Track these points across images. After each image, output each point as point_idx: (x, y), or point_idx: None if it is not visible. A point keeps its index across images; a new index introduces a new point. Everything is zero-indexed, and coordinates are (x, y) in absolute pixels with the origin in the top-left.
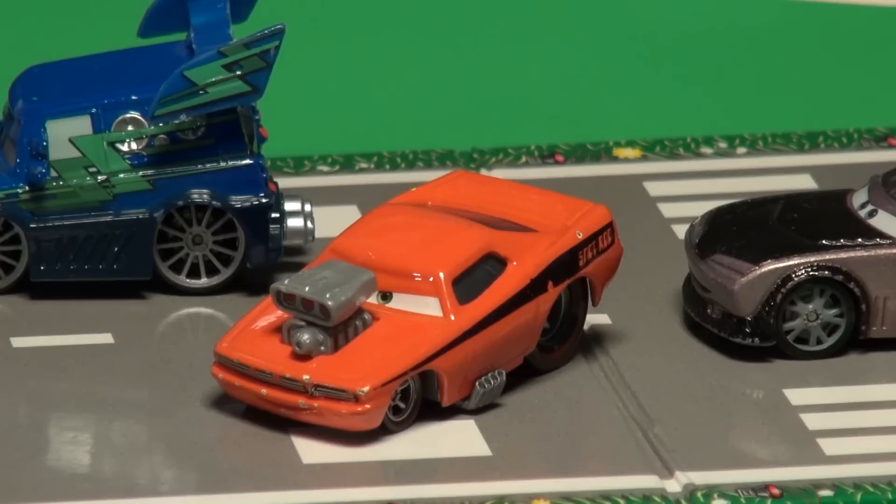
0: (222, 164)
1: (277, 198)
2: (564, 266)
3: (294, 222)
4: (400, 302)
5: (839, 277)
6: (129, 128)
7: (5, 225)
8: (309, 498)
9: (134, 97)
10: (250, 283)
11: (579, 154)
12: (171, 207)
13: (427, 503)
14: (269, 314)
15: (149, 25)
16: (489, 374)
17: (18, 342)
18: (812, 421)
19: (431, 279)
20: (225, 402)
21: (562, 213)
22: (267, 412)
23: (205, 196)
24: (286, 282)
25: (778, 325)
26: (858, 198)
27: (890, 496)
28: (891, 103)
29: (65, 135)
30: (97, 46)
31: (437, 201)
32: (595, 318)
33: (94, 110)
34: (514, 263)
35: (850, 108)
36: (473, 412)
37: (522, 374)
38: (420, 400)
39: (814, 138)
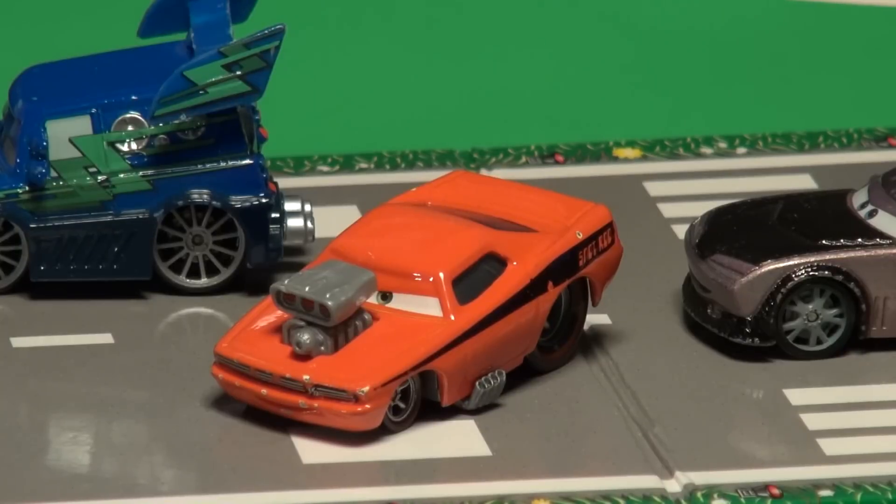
0: (222, 164)
1: (277, 198)
2: (564, 266)
3: (294, 222)
4: (400, 302)
5: (839, 277)
6: (129, 128)
7: (5, 225)
8: (309, 498)
9: (134, 97)
10: (250, 283)
11: (579, 154)
12: (171, 207)
13: (427, 503)
14: (269, 314)
15: (149, 25)
16: (489, 374)
17: (18, 342)
18: (812, 421)
19: (431, 279)
20: (225, 402)
21: (562, 213)
22: (267, 412)
23: (205, 196)
24: (286, 282)
25: (778, 325)
26: (858, 198)
27: (890, 496)
28: (891, 103)
29: (65, 135)
30: (97, 46)
31: (437, 201)
32: (595, 318)
33: (94, 110)
34: (514, 263)
35: (850, 108)
36: (473, 412)
37: (522, 374)
38: (420, 400)
39: (814, 138)
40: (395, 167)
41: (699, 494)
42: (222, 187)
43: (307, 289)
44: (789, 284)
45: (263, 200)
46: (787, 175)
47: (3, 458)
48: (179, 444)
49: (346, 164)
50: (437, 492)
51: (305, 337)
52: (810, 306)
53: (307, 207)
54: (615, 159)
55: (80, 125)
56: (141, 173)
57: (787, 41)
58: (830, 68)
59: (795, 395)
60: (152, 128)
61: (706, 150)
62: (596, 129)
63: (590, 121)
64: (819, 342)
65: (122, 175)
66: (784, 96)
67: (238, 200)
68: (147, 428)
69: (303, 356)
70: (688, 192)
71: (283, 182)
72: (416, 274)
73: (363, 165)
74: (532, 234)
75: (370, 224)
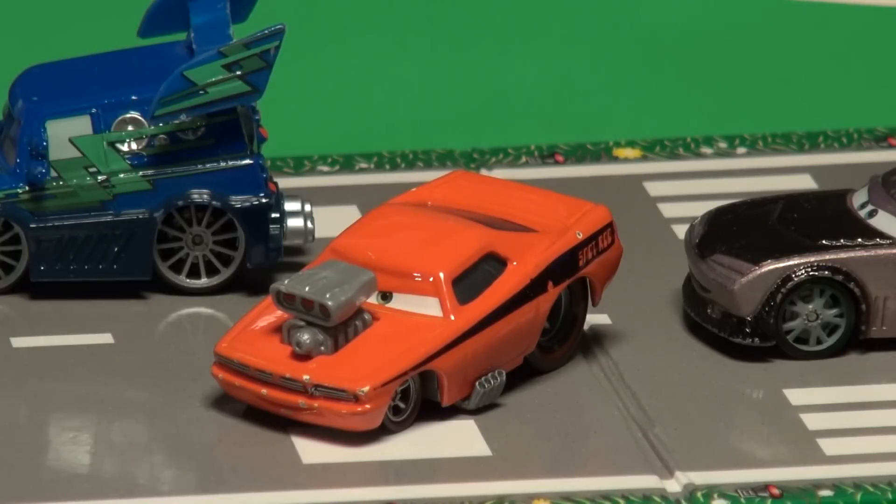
0: (222, 164)
1: (277, 198)
2: (564, 266)
3: (294, 222)
4: (400, 302)
5: (839, 277)
6: (129, 128)
7: (5, 225)
8: (309, 498)
9: (134, 97)
10: (250, 283)
11: (579, 154)
12: (171, 207)
13: (427, 503)
14: (269, 314)
15: (149, 25)
16: (489, 374)
17: (18, 342)
18: (812, 421)
19: (431, 279)
20: (225, 402)
21: (562, 214)
22: (267, 412)
23: (205, 196)
24: (286, 282)
25: (778, 325)
26: (858, 198)
27: (890, 496)
28: (891, 103)
29: (65, 135)
30: (97, 46)
31: (437, 201)
32: (595, 318)
33: (94, 110)
34: (514, 263)
35: (850, 108)
36: (473, 412)
37: (522, 374)
38: (420, 400)
39: (814, 138)
40: (395, 167)
41: (699, 494)
42: (222, 187)
43: (307, 289)
44: (789, 284)
45: (263, 200)
46: (787, 175)
47: (3, 458)
48: (179, 444)
49: (346, 164)
50: (437, 492)
51: (305, 337)
52: (810, 306)
53: (307, 207)
54: (615, 159)
55: (80, 125)
56: (141, 173)
57: (787, 41)
58: (830, 68)
59: (795, 395)
60: (152, 128)
61: (706, 150)
62: (596, 129)
63: (590, 121)
64: (819, 342)
65: (122, 175)
66: (784, 96)
67: (238, 200)
68: (147, 428)
69: (303, 356)
70: (688, 192)
71: (283, 182)
72: (416, 274)
73: (363, 165)
74: (532, 234)
75: (370, 224)
